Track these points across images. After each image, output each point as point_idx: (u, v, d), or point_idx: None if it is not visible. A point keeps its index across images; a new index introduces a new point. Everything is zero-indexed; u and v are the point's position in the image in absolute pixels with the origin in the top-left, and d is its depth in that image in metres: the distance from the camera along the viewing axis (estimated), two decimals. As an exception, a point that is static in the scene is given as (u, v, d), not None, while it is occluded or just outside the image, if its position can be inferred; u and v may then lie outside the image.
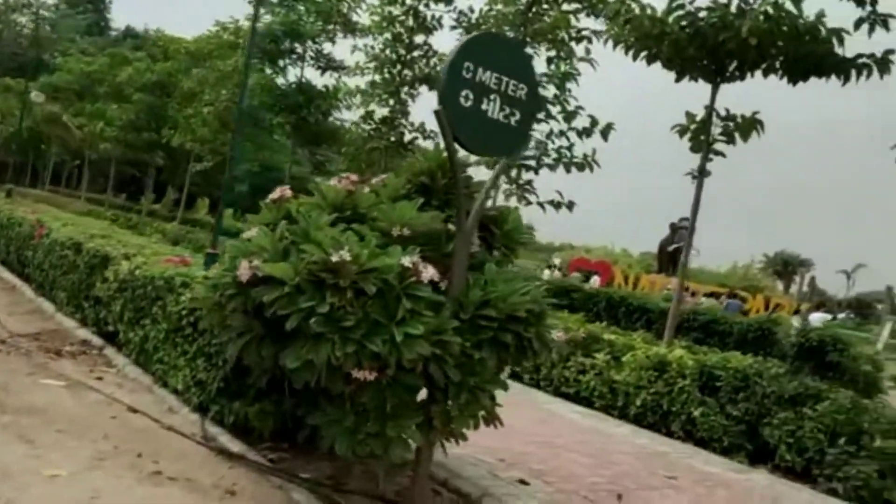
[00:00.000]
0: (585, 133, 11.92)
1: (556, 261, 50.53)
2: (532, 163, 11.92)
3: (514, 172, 12.04)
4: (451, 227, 4.65)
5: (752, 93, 9.39)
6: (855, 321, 73.58)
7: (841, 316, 29.80)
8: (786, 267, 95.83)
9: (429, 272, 4.05)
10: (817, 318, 28.33)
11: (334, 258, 3.89)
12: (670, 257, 49.80)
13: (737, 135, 9.04)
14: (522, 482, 5.50)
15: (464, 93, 4.22)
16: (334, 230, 4.23)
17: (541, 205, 12.14)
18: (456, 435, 4.46)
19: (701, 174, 9.11)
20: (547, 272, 36.69)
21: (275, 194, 4.90)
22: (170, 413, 5.85)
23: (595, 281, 43.47)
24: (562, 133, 12.01)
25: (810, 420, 7.06)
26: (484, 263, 4.63)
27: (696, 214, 9.22)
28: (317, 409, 4.34)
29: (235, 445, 5.16)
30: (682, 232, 48.95)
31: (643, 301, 12.09)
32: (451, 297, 4.32)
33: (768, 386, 7.44)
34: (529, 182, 12.10)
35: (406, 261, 4.03)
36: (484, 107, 4.33)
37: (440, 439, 4.78)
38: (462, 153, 4.81)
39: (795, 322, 27.43)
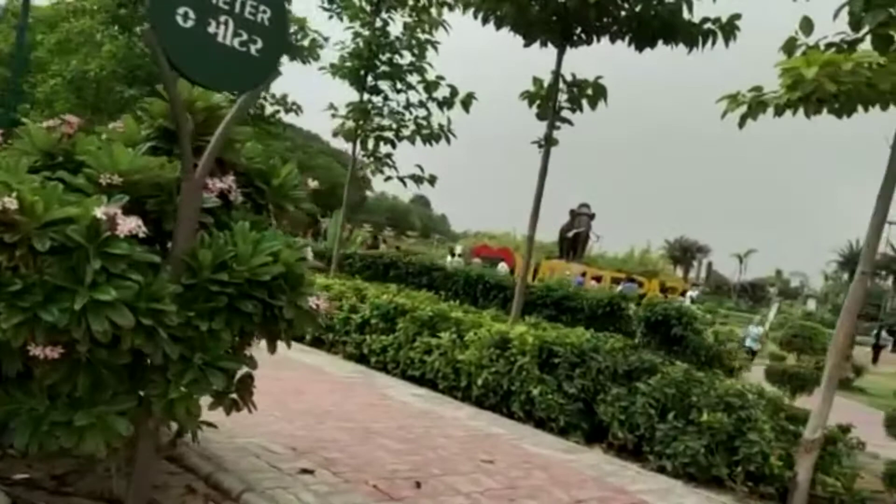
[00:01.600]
0: (446, 104, 11.37)
1: (458, 249, 50.47)
2: (390, 135, 11.30)
3: (371, 144, 11.39)
4: (191, 177, 3.96)
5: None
6: (748, 304, 77.02)
7: (694, 293, 30.40)
8: (685, 253, 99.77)
9: (127, 225, 3.32)
10: (690, 295, 29.09)
11: (-5, 207, 3.11)
12: (570, 243, 50.83)
13: (585, 102, 8.67)
14: (305, 472, 4.86)
15: (181, 10, 3.50)
16: (24, 176, 3.45)
17: (401, 179, 11.56)
18: (182, 422, 3.75)
19: (547, 142, 8.69)
20: (449, 259, 36.41)
21: (-23, 140, 4.05)
22: None
23: (503, 268, 43.70)
24: (421, 104, 11.43)
25: (642, 395, 6.75)
26: (237, 222, 3.96)
27: (542, 185, 8.78)
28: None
29: (-55, 444, 4.29)
30: (581, 217, 49.72)
31: (500, 279, 11.70)
32: (174, 257, 3.62)
33: (603, 361, 7.09)
34: (389, 155, 11.48)
35: (99, 212, 3.29)
36: (212, 30, 3.62)
37: (190, 427, 4.10)
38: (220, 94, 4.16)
39: (686, 301, 28.21)
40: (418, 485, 5.01)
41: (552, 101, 8.62)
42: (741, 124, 6.15)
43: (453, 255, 42.87)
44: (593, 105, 8.71)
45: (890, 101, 6.02)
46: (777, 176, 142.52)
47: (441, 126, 11.03)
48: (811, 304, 77.91)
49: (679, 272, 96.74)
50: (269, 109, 13.84)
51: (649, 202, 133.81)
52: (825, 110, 6.48)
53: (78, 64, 15.95)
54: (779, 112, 6.11)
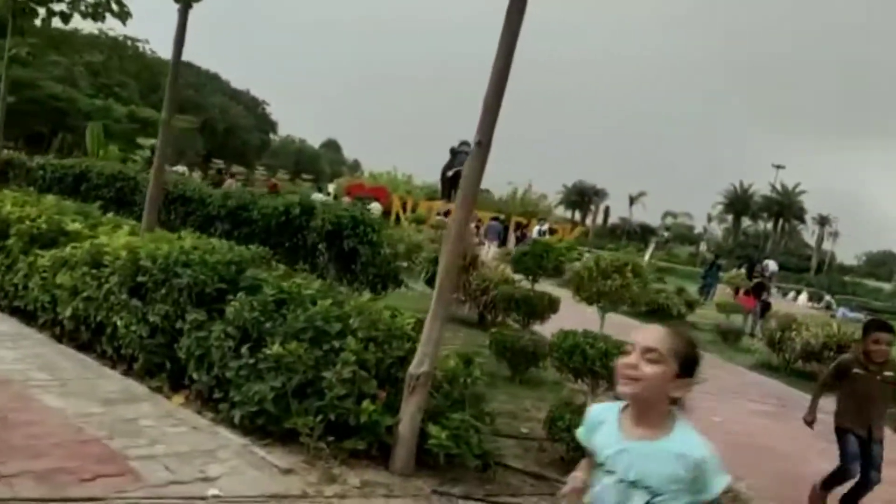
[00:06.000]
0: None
1: (331, 187, 48.27)
2: (63, 7, 8.87)
3: (39, 21, 8.95)
4: None
5: None
6: (637, 246, 78.85)
7: (544, 227, 29.53)
8: (582, 197, 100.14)
9: None
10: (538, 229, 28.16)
11: None
12: (451, 182, 49.53)
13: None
14: None
15: None
16: None
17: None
18: None
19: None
20: (314, 196, 34.30)
21: None
22: None
23: (375, 207, 42.10)
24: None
25: (221, 322, 4.89)
26: None
27: (179, 52, 6.65)
28: None
29: None
30: (461, 156, 48.65)
31: (181, 191, 9.51)
32: None
33: (186, 279, 5.18)
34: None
35: None
36: None
37: None
38: None
39: (534, 236, 27.01)
40: None
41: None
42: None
43: (322, 191, 41.00)
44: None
45: None
46: (673, 120, 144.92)
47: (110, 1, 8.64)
48: (703, 246, 79.56)
49: (577, 216, 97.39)
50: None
51: (549, 146, 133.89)
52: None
53: None
54: None
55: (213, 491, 3.81)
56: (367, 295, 6.09)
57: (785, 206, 77.39)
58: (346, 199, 42.70)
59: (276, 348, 4.47)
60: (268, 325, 4.66)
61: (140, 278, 5.49)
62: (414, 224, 33.15)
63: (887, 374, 4.82)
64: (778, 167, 74.67)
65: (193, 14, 6.60)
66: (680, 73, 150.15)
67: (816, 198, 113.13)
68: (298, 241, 7.27)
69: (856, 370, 4.85)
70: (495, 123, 4.30)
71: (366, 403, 4.41)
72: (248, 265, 5.48)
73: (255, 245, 6.45)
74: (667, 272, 41.39)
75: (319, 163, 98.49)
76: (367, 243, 6.49)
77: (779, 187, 76.27)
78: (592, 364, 4.80)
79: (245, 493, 3.87)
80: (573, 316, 7.82)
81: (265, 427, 4.56)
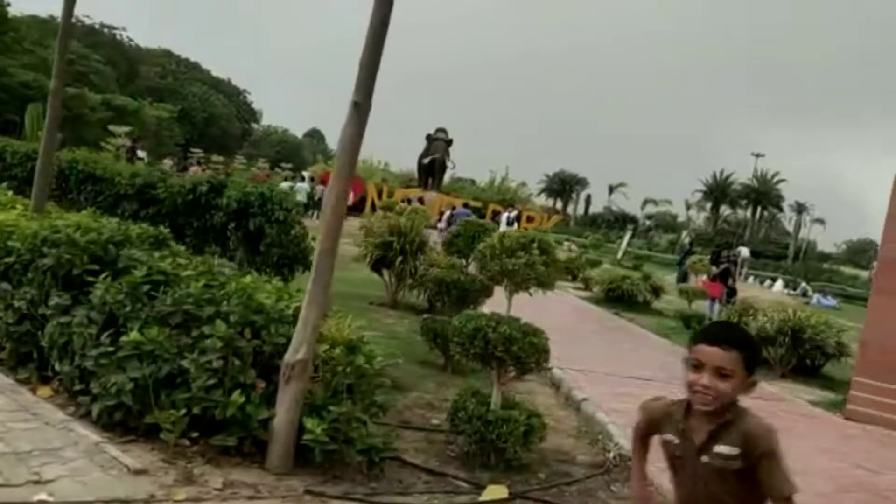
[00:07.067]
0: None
1: (306, 174, 47.65)
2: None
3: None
4: None
5: None
6: (617, 234, 78.92)
7: (511, 214, 28.91)
8: (563, 185, 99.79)
9: None
10: (506, 216, 27.89)
11: None
12: (427, 169, 48.89)
13: None
14: None
15: None
16: None
17: None
18: None
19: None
20: (283, 185, 34.12)
21: None
22: None
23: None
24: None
25: (85, 306, 4.42)
26: None
27: (70, 16, 6.13)
28: None
29: None
30: (437, 143, 47.86)
31: (94, 171, 8.81)
32: None
33: (50, 259, 4.69)
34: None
35: None
36: None
37: None
38: None
39: (502, 223, 26.57)
40: None
41: None
42: None
43: (285, 180, 40.61)
44: None
45: None
46: (655, 106, 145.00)
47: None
48: (685, 234, 79.28)
49: (559, 204, 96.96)
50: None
51: (535, 135, 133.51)
52: None
53: None
54: None
55: (40, 496, 3.36)
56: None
57: (762, 194, 77.46)
58: (319, 188, 42.26)
59: (133, 334, 4.00)
60: (128, 308, 4.18)
61: (7, 259, 5.00)
62: (382, 211, 32.77)
63: (720, 449, 2.14)
64: (757, 156, 74.73)
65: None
66: (663, 62, 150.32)
67: (802, 188, 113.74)
68: (207, 220, 6.76)
69: (667, 435, 2.27)
70: (374, 85, 3.84)
71: (235, 395, 3.97)
72: (132, 245, 4.99)
73: (164, 225, 5.98)
74: (644, 260, 41.22)
75: (301, 152, 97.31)
76: (274, 222, 6.02)
77: (759, 176, 76.32)
78: (494, 349, 4.37)
79: (81, 497, 3.41)
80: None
81: (126, 422, 4.10)
